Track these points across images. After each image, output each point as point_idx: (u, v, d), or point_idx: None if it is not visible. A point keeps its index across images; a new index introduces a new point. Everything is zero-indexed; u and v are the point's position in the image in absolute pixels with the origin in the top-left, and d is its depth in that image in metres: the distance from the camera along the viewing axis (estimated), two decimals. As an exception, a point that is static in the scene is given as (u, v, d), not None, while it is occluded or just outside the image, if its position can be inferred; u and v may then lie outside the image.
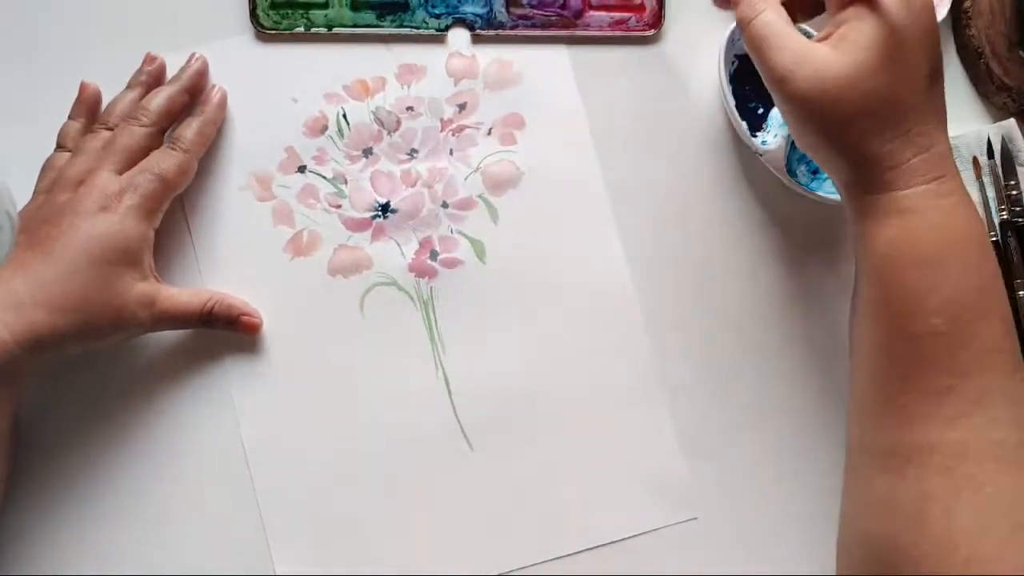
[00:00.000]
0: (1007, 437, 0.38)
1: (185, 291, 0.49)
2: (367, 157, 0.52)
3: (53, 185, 0.47)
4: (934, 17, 0.41)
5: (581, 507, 0.51)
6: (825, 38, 0.41)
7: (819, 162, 0.43)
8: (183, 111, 0.50)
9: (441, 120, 0.52)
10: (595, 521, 0.51)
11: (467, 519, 0.50)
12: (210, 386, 0.50)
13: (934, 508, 0.38)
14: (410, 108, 0.52)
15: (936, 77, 0.41)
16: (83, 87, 0.50)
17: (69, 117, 0.50)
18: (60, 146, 0.49)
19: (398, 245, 0.52)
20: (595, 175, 0.52)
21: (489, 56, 0.52)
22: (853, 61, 0.39)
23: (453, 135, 0.52)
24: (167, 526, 0.50)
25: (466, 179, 0.52)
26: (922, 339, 0.39)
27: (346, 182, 0.52)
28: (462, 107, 0.52)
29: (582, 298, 0.52)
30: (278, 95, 0.52)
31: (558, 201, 0.52)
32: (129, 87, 0.50)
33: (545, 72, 0.53)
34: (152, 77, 0.51)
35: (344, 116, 0.52)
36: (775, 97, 0.42)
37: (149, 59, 0.51)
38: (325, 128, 0.52)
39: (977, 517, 0.37)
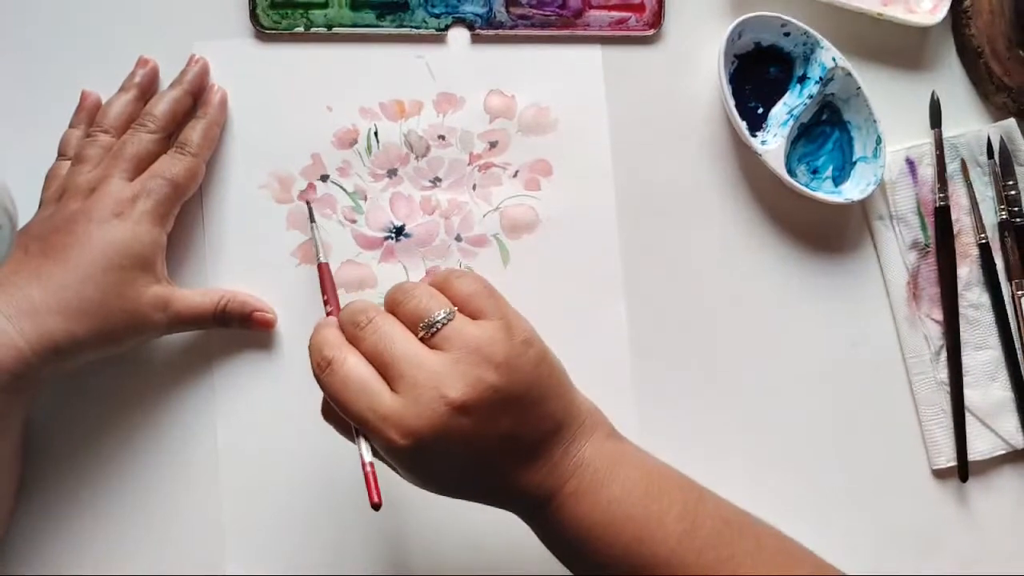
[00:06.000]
0: None
1: (197, 291, 0.49)
2: (390, 177, 0.52)
3: (63, 193, 0.47)
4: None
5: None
6: None
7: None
8: (187, 114, 0.50)
9: (470, 154, 0.52)
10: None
11: (427, 546, 0.51)
12: (201, 386, 0.51)
13: None
14: (442, 137, 0.52)
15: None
16: (84, 96, 0.50)
17: (70, 125, 0.50)
18: (62, 154, 0.49)
19: (405, 269, 0.52)
20: (612, 236, 0.52)
21: (527, 99, 0.52)
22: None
23: (479, 171, 0.52)
24: (173, 527, 0.50)
25: (484, 216, 0.52)
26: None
27: (365, 199, 0.52)
28: (493, 145, 0.52)
29: (576, 356, 0.51)
30: (313, 100, 0.52)
31: (571, 256, 0.52)
32: (123, 90, 0.50)
33: (581, 124, 0.53)
34: (147, 79, 0.50)
35: (375, 133, 0.52)
36: (399, 464, 0.40)
37: (142, 62, 0.50)
38: (355, 142, 0.52)
39: None
